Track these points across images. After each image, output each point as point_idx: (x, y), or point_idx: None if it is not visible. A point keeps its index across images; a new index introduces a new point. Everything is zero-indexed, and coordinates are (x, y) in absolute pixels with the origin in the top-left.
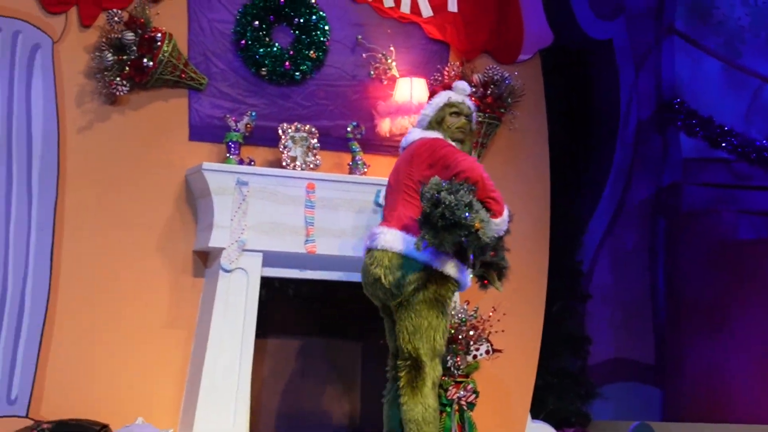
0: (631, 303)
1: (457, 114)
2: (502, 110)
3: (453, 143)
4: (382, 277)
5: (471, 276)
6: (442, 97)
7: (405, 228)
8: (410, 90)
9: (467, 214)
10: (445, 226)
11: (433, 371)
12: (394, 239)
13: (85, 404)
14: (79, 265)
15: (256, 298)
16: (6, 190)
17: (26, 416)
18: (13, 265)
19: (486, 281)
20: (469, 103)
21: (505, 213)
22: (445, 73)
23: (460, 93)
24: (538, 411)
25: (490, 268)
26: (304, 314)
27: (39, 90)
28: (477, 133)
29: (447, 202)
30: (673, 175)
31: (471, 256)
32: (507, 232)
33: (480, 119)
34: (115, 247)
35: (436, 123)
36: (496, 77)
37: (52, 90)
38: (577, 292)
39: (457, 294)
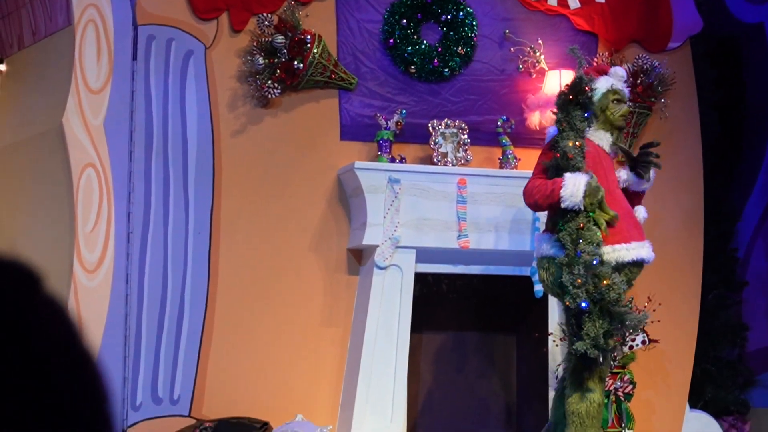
0: None
1: (620, 101)
2: (653, 99)
3: (606, 135)
4: (545, 280)
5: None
6: (605, 82)
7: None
8: (559, 82)
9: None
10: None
11: (600, 365)
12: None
13: (245, 403)
14: (235, 267)
15: (411, 294)
16: (164, 194)
17: (189, 415)
18: (173, 269)
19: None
20: (626, 90)
21: (566, 181)
22: (594, 63)
23: (620, 79)
24: (696, 400)
25: None
26: (459, 309)
27: (193, 95)
28: (628, 123)
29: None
30: None
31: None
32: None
33: (631, 109)
34: (271, 247)
35: (600, 111)
36: (645, 66)
37: (205, 95)
38: (733, 280)
39: None
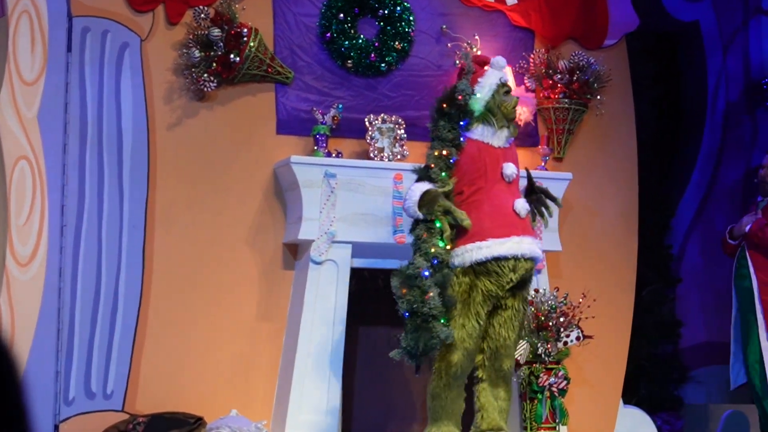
0: (722, 285)
1: (508, 93)
2: (589, 96)
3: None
4: None
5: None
6: (493, 78)
7: None
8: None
9: None
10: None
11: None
12: None
13: (180, 398)
14: (170, 261)
15: (347, 288)
16: (98, 187)
17: (122, 410)
18: (107, 262)
19: None
20: (508, 79)
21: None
22: (531, 60)
23: (501, 68)
24: (630, 396)
25: None
26: (395, 304)
27: (128, 88)
28: (562, 120)
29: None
30: (762, 157)
31: None
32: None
33: (566, 105)
34: (206, 242)
35: (496, 108)
36: (581, 63)
37: (141, 88)
38: (668, 276)
39: (546, 280)
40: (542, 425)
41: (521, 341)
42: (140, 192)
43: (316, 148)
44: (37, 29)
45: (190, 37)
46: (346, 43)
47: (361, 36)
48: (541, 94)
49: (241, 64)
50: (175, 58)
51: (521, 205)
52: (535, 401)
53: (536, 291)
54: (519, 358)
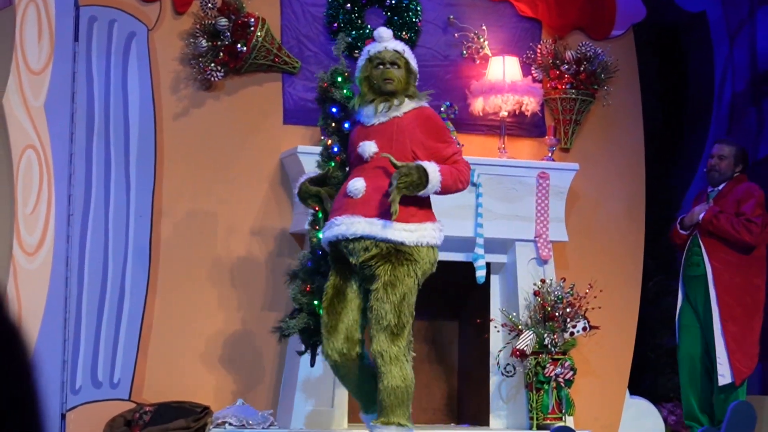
0: None
1: (380, 64)
2: (596, 87)
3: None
4: None
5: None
6: (364, 54)
7: None
8: (503, 69)
9: None
10: None
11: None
12: None
13: (186, 387)
14: (177, 250)
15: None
16: (105, 176)
17: (129, 399)
18: (113, 251)
19: None
20: (395, 46)
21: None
22: (538, 50)
23: (380, 40)
24: (635, 387)
25: None
26: None
27: (135, 77)
28: (569, 110)
29: None
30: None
31: None
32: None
33: (573, 96)
34: (212, 231)
35: (365, 81)
36: (589, 54)
37: (147, 77)
38: (673, 268)
39: (552, 271)
40: (548, 415)
41: (527, 331)
42: (147, 181)
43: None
44: (44, 18)
45: (197, 26)
46: (354, 33)
47: (368, 26)
48: (548, 85)
49: (248, 53)
50: (181, 48)
51: (353, 185)
52: (542, 392)
53: (542, 281)
54: (525, 349)
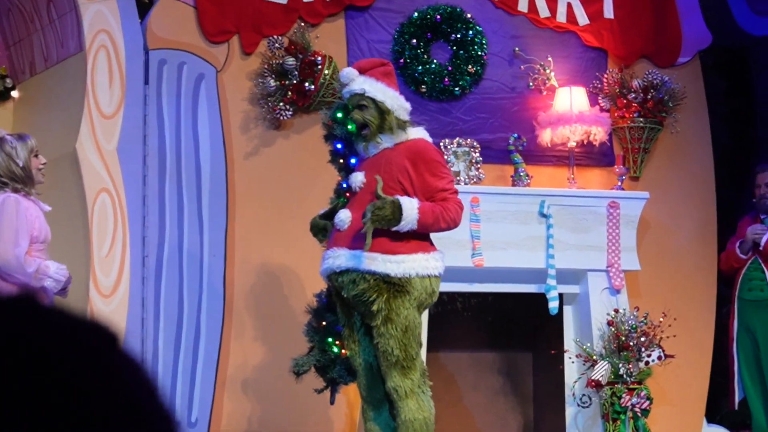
0: None
1: (355, 106)
2: (663, 114)
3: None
4: None
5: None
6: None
7: None
8: (570, 99)
9: None
10: None
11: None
12: None
13: (264, 425)
14: (251, 289)
15: (426, 313)
16: (178, 217)
17: None
18: (188, 291)
19: None
20: (355, 88)
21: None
22: (604, 79)
23: (343, 85)
24: (713, 415)
25: None
26: (474, 327)
27: (205, 118)
28: (637, 139)
29: None
30: None
31: None
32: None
33: (641, 124)
34: (285, 269)
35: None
36: (655, 81)
37: (217, 118)
38: None
39: (626, 300)
40: None
41: (602, 361)
42: (219, 221)
43: None
44: (115, 63)
45: (265, 66)
46: (420, 68)
47: (434, 61)
48: (616, 114)
49: (316, 92)
50: (250, 88)
51: (338, 217)
52: (618, 422)
53: (616, 311)
54: (600, 379)
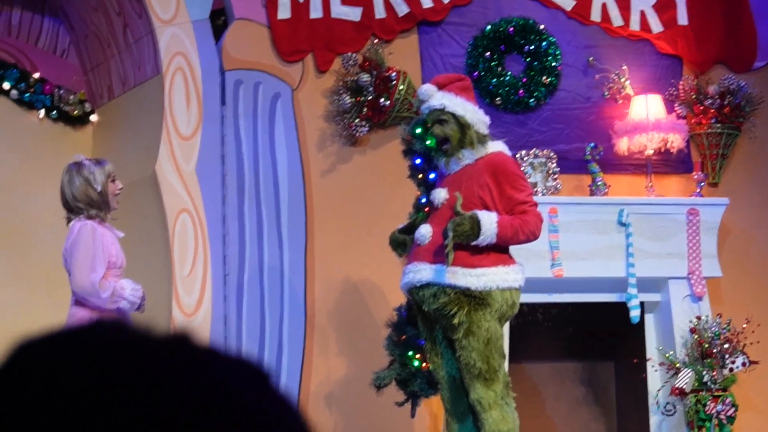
0: None
1: (434, 122)
2: (741, 120)
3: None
4: None
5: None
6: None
7: None
8: (646, 107)
9: None
10: None
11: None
12: None
13: None
14: (331, 306)
15: (507, 324)
16: (258, 236)
17: None
18: (270, 310)
19: None
20: (434, 103)
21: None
22: (680, 86)
23: (427, 99)
24: None
25: None
26: (555, 337)
27: (282, 137)
28: (715, 145)
29: None
30: None
31: None
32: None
33: (719, 130)
34: (365, 285)
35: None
36: (732, 87)
37: (294, 136)
38: None
39: (708, 307)
40: None
41: (685, 369)
42: (299, 238)
43: None
44: (192, 85)
45: (340, 83)
46: (494, 80)
47: (509, 73)
48: (693, 121)
49: (392, 107)
50: (326, 105)
51: (419, 232)
52: (703, 429)
53: (698, 318)
54: (684, 387)
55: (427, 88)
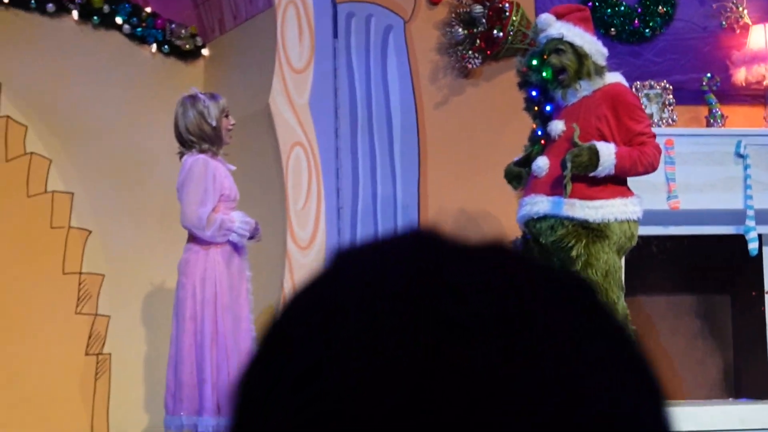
0: None
1: (553, 51)
2: None
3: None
4: None
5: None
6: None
7: None
8: (765, 36)
9: None
10: None
11: None
12: None
13: None
14: None
15: (622, 257)
16: (371, 169)
17: None
18: None
19: None
20: (552, 33)
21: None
22: None
23: (546, 28)
24: None
25: None
26: (670, 271)
27: (394, 70)
28: None
29: None
30: None
31: None
32: None
33: None
34: (478, 217)
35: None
36: None
37: (406, 69)
38: None
39: None
40: None
41: None
42: (412, 172)
43: None
44: (304, 18)
45: (452, 15)
46: (609, 11)
47: (624, 3)
48: None
49: (505, 39)
50: (438, 38)
51: (536, 164)
52: None
53: None
54: None
55: (546, 17)
